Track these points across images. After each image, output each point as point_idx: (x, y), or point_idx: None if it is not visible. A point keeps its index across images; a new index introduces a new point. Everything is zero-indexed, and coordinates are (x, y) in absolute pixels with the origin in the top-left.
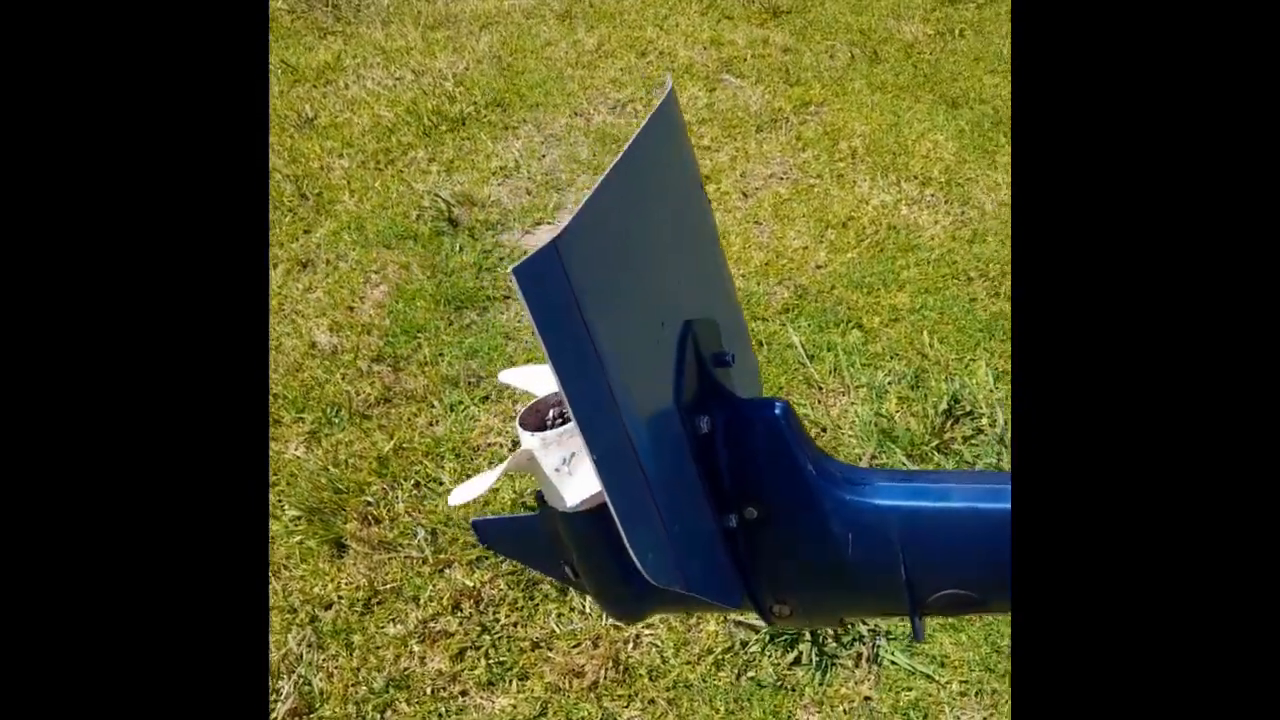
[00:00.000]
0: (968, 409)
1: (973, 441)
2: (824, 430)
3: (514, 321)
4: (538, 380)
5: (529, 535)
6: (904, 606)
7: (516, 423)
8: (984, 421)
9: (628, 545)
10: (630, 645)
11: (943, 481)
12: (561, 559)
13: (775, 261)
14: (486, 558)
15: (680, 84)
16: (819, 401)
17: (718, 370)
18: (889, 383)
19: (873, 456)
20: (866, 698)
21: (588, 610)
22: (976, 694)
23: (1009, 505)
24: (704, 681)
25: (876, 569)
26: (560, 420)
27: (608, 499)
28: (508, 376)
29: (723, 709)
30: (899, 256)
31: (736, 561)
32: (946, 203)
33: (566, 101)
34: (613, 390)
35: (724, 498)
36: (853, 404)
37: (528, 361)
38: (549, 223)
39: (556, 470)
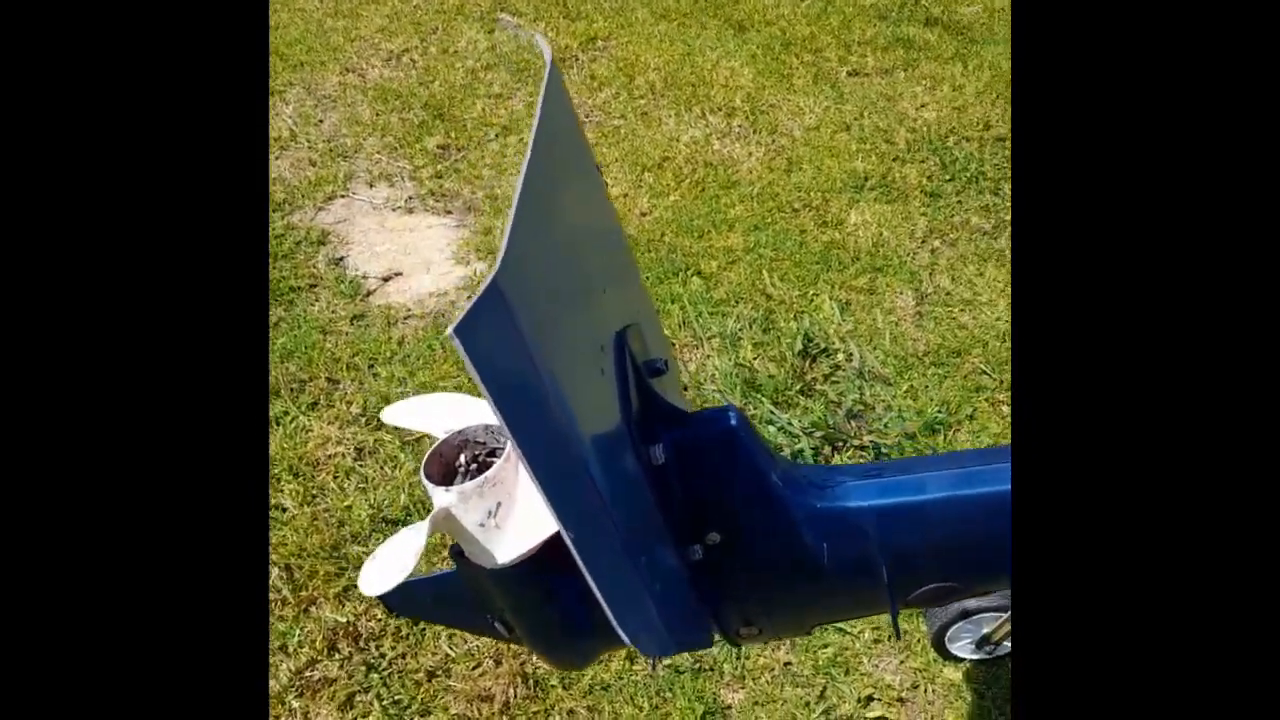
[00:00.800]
0: (821, 346)
1: (834, 379)
2: (685, 389)
3: (327, 313)
4: (431, 417)
5: (449, 595)
6: (884, 607)
7: (423, 477)
8: (840, 357)
9: (620, 630)
10: (536, 657)
11: (913, 471)
12: (489, 615)
13: None
14: (354, 586)
15: (455, 29)
16: (675, 358)
17: (654, 382)
18: (740, 329)
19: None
20: (786, 663)
21: None
22: (889, 638)
23: (990, 487)
24: (621, 680)
25: (856, 574)
26: (474, 467)
27: (593, 584)
28: (394, 417)
29: (646, 705)
30: (721, 195)
31: (702, 594)
32: (755, 132)
33: (334, 57)
34: (579, 448)
35: (683, 527)
36: (709, 356)
37: (357, 358)
38: (343, 195)
39: (481, 525)
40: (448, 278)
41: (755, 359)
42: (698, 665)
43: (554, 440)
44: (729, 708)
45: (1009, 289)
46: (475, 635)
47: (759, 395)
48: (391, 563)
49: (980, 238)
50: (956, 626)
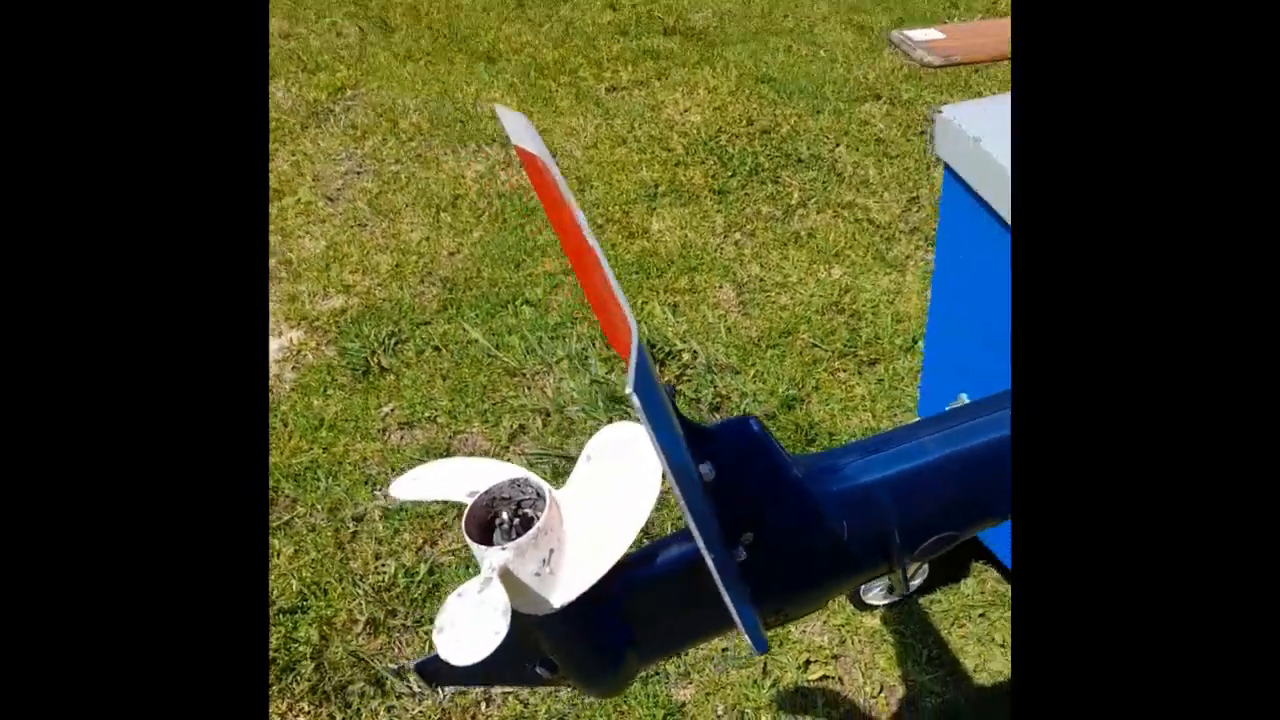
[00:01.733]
0: (665, 350)
1: (685, 378)
2: (548, 415)
3: None
4: (444, 484)
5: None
6: (894, 567)
7: (470, 541)
8: (685, 357)
9: (750, 638)
10: (485, 705)
11: (909, 439)
12: (528, 663)
13: (405, 261)
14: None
15: None
16: (527, 388)
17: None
18: (584, 348)
19: (610, 422)
20: (724, 649)
21: (415, 686)
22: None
23: (979, 439)
24: (574, 705)
25: (873, 544)
26: (518, 521)
27: (729, 600)
28: (405, 490)
29: None
30: (525, 223)
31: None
32: None
33: None
34: (694, 474)
35: (727, 534)
36: (562, 379)
37: None
38: None
39: (537, 575)
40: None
41: (608, 373)
42: (643, 673)
43: (685, 470)
44: (684, 705)
45: (813, 265)
46: (511, 686)
47: (623, 408)
48: (479, 628)
49: (774, 224)
50: None
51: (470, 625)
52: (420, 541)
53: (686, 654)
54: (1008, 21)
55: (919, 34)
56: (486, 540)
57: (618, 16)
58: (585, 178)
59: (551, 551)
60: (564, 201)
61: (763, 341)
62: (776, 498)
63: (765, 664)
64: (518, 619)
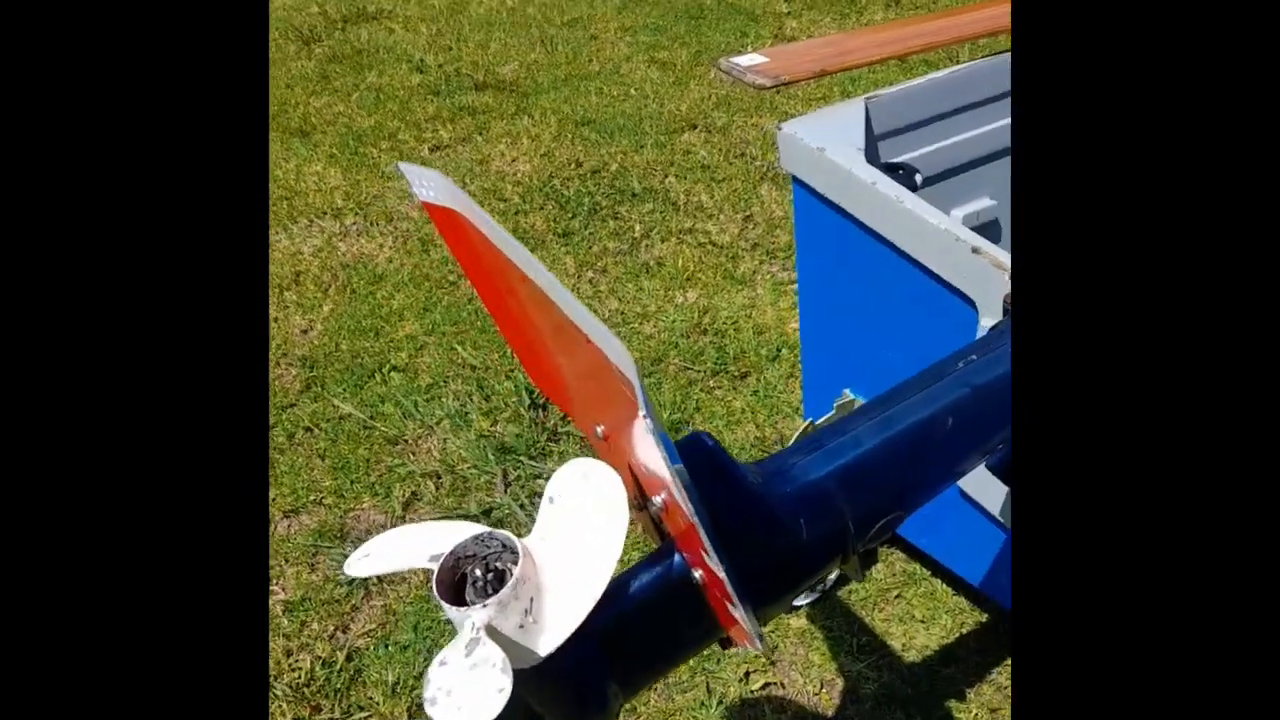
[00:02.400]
0: (542, 398)
1: (569, 419)
2: (439, 477)
3: None
4: (402, 554)
5: None
6: (848, 556)
7: (444, 606)
8: None
9: (752, 638)
10: None
11: (844, 433)
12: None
13: None
14: None
15: None
16: (412, 453)
17: None
18: (462, 405)
19: (505, 474)
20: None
21: None
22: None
23: (908, 420)
24: None
25: (830, 538)
26: (492, 576)
27: (745, 617)
28: (361, 568)
29: None
30: (374, 290)
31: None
32: (373, 225)
33: None
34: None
35: None
36: (445, 439)
37: None
38: None
39: (521, 627)
40: None
41: (492, 426)
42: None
43: (693, 490)
44: None
45: (668, 292)
46: None
47: (515, 456)
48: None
49: (623, 258)
50: None
51: (470, 689)
52: (331, 629)
53: None
54: (819, 41)
55: (744, 60)
56: (460, 602)
57: (425, 78)
58: (427, 237)
59: (532, 600)
60: (494, 247)
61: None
62: (740, 509)
63: (707, 683)
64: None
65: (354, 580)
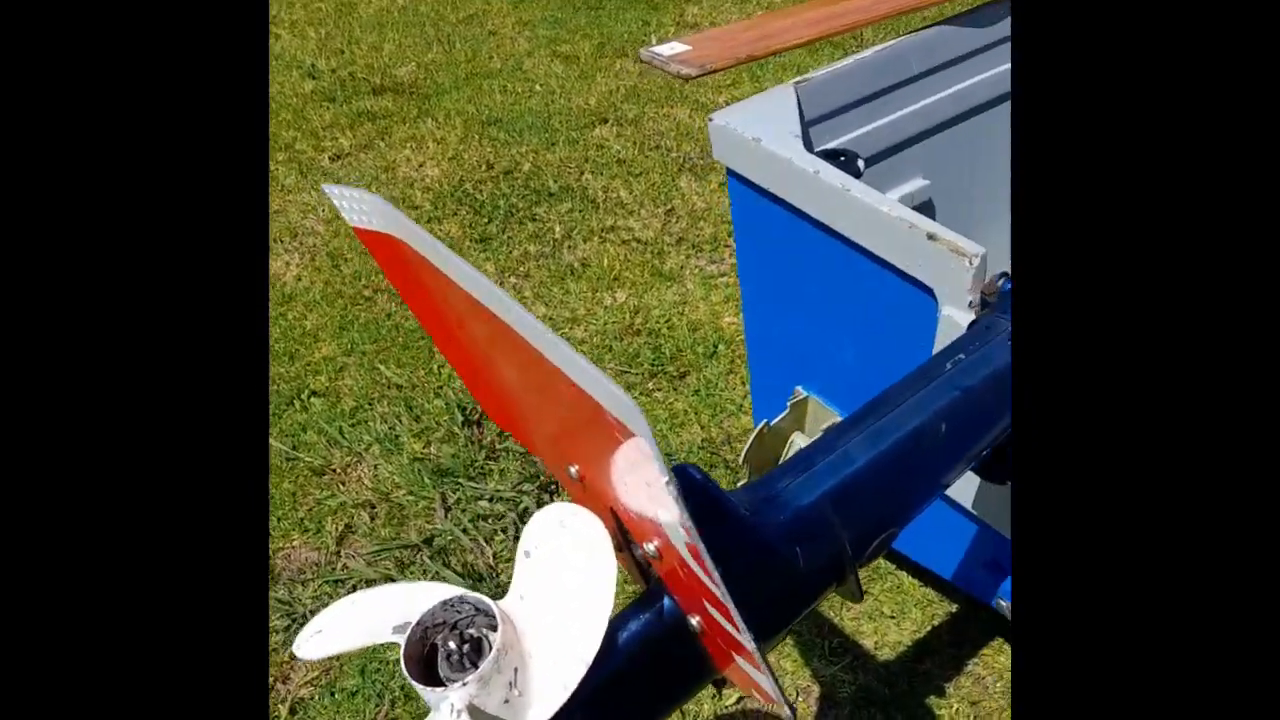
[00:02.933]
0: (478, 411)
1: (508, 435)
2: (374, 506)
3: None
4: (363, 628)
5: None
6: (845, 579)
7: (418, 687)
8: None
9: (776, 698)
10: None
11: (832, 451)
12: None
13: None
14: None
15: None
16: (341, 484)
17: None
18: (391, 428)
19: (444, 498)
20: None
21: None
22: None
23: (897, 434)
24: None
25: (827, 563)
26: (468, 646)
27: (763, 674)
28: (313, 649)
29: None
30: (285, 310)
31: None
32: (278, 241)
33: None
34: None
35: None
36: (377, 465)
37: None
38: None
39: (506, 702)
40: None
41: (424, 449)
42: None
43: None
44: None
45: (596, 294)
46: None
47: (453, 479)
48: None
49: (546, 261)
50: None
51: None
52: (271, 682)
53: None
54: (741, 25)
55: (666, 49)
56: (433, 679)
57: (319, 84)
58: (336, 252)
59: (516, 670)
60: (447, 278)
61: None
62: (735, 545)
63: None
64: None
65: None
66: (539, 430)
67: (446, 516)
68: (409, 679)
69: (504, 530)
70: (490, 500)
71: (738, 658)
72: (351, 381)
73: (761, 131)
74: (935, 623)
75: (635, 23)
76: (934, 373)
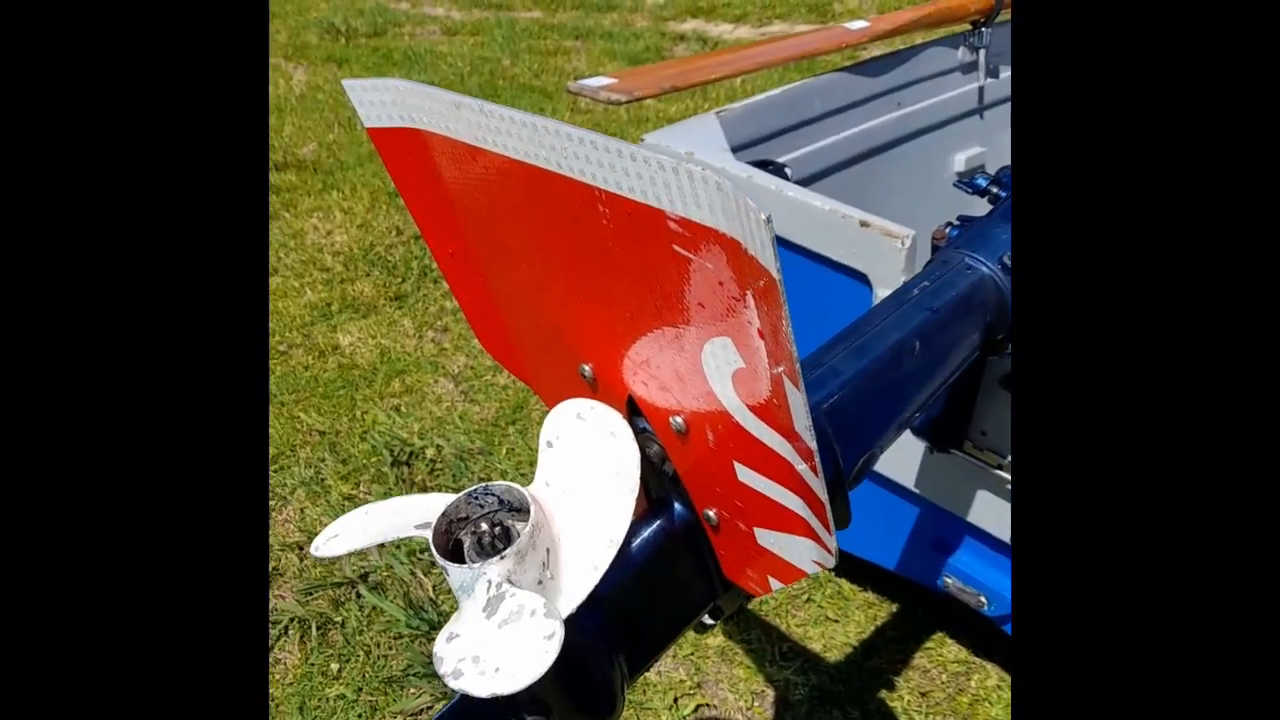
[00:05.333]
0: (408, 450)
1: (437, 472)
2: (302, 548)
3: None
4: (382, 526)
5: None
6: (837, 498)
7: (449, 566)
8: (430, 452)
9: (824, 533)
10: None
11: (820, 365)
12: (512, 718)
13: None
14: None
15: None
16: (268, 528)
17: None
18: (315, 473)
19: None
20: None
21: None
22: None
23: (882, 345)
24: None
25: (832, 478)
26: (499, 531)
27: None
28: (331, 547)
29: None
30: None
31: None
32: None
33: None
34: None
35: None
36: (304, 508)
37: None
38: None
39: (540, 583)
40: None
41: (354, 489)
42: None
43: None
44: None
45: None
46: None
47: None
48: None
49: (461, 315)
50: None
51: (505, 647)
52: None
53: None
54: (663, 64)
55: (594, 81)
56: (456, 554)
57: None
58: None
59: (548, 551)
60: (467, 151)
61: (501, 420)
62: None
63: (637, 715)
64: None
65: (311, 553)
66: (555, 331)
67: (380, 553)
68: (441, 562)
69: None
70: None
71: (760, 533)
72: (271, 430)
73: (693, 146)
74: (878, 623)
75: (531, 108)
76: (904, 297)
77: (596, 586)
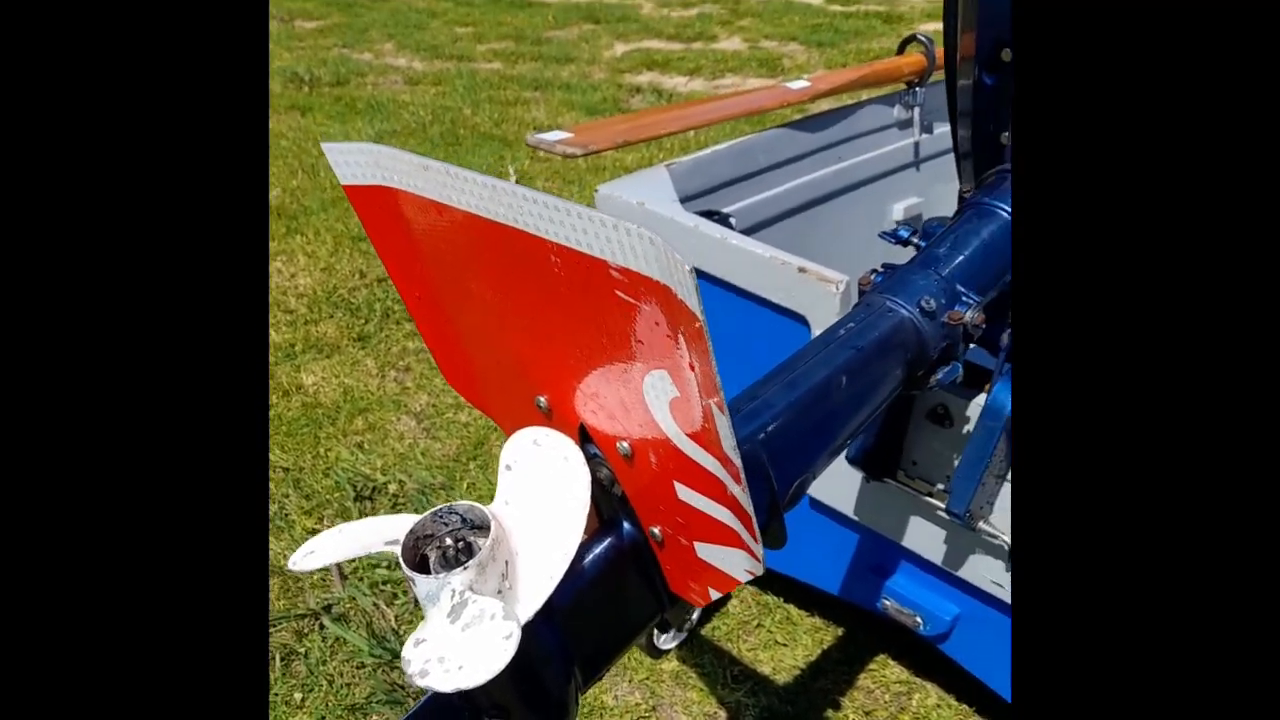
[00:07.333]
0: (371, 486)
1: (400, 505)
2: (283, 571)
3: None
4: (355, 542)
5: None
6: (771, 523)
7: (414, 576)
8: (393, 487)
9: (752, 545)
10: None
11: (754, 398)
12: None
13: None
14: None
15: None
16: None
17: None
18: (280, 508)
19: (340, 568)
20: None
21: None
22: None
23: (808, 384)
24: None
25: (765, 499)
26: (462, 546)
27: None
28: (308, 562)
29: None
30: None
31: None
32: None
33: None
34: None
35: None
36: (267, 542)
37: None
38: None
39: (499, 592)
40: None
41: (318, 524)
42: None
43: None
44: None
45: None
46: None
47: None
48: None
49: (425, 355)
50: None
51: (467, 647)
52: None
53: None
54: (616, 118)
55: (551, 135)
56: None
57: None
58: None
59: (507, 564)
60: (433, 207)
61: (462, 456)
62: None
63: None
64: None
65: (289, 567)
66: (513, 367)
67: (344, 585)
68: (408, 573)
69: (404, 592)
70: (389, 567)
71: (699, 546)
72: None
73: (644, 197)
74: (824, 646)
75: (491, 156)
76: (832, 337)
77: (552, 598)
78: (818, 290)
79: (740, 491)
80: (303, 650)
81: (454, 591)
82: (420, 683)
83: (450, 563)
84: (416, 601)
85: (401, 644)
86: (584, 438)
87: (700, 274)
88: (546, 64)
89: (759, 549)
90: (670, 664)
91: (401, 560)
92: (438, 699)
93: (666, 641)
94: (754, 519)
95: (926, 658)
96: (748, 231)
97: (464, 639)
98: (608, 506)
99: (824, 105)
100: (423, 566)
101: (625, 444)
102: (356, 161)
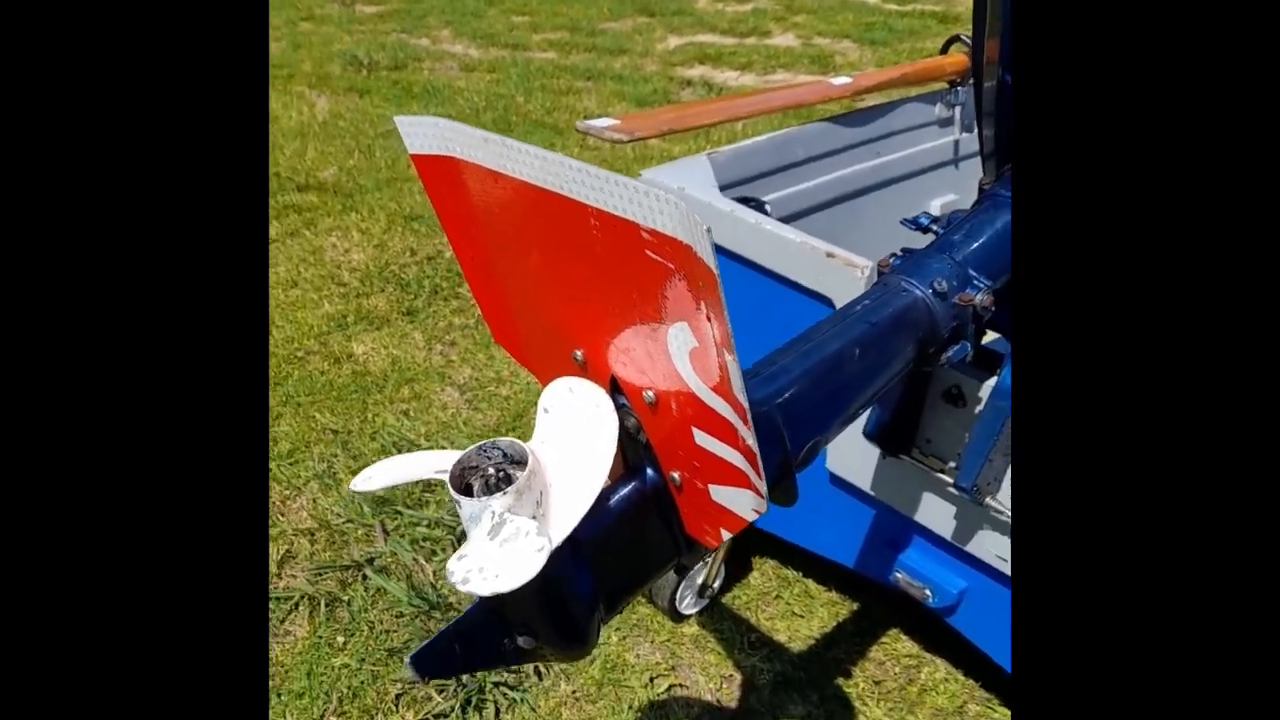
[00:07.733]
0: (411, 449)
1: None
2: (314, 533)
3: None
4: (408, 469)
5: (471, 632)
6: (784, 478)
7: (459, 498)
8: None
9: (758, 485)
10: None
11: (772, 364)
12: (505, 639)
13: None
14: None
15: None
16: (281, 514)
17: None
18: (329, 466)
19: (384, 524)
20: (573, 692)
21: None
22: (632, 629)
23: (822, 354)
24: None
25: (777, 459)
26: (502, 476)
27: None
28: (366, 484)
29: None
30: None
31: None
32: None
33: None
34: None
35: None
36: (315, 499)
37: None
38: None
39: (534, 518)
40: None
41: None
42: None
43: None
44: None
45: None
46: (492, 669)
47: (392, 508)
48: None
49: (470, 333)
50: (680, 588)
51: (504, 559)
52: None
53: (535, 710)
54: (665, 108)
55: (599, 122)
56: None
57: None
58: (270, 319)
59: (542, 494)
60: (492, 176)
61: (501, 427)
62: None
63: (616, 692)
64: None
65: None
66: (554, 323)
67: (386, 540)
68: (454, 496)
69: (443, 549)
70: (429, 526)
71: (714, 489)
72: (287, 427)
73: (685, 183)
74: (839, 619)
75: (542, 143)
76: (848, 312)
77: (581, 533)
78: (844, 274)
79: (747, 433)
80: (346, 598)
81: (494, 513)
82: (463, 589)
83: (491, 490)
84: (459, 538)
85: (439, 596)
86: (614, 389)
87: (733, 256)
88: (600, 55)
89: (764, 487)
90: (691, 628)
91: (449, 485)
92: (475, 616)
93: (688, 606)
94: (759, 459)
95: (936, 634)
96: (783, 221)
97: (501, 552)
98: (634, 453)
99: (866, 101)
100: (467, 492)
101: (650, 393)
102: (424, 133)
